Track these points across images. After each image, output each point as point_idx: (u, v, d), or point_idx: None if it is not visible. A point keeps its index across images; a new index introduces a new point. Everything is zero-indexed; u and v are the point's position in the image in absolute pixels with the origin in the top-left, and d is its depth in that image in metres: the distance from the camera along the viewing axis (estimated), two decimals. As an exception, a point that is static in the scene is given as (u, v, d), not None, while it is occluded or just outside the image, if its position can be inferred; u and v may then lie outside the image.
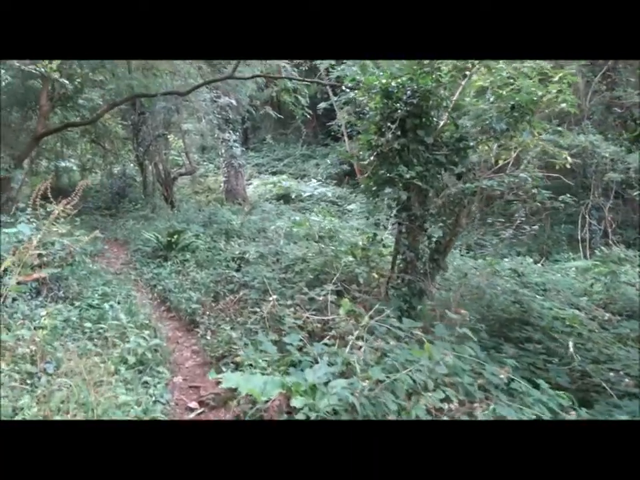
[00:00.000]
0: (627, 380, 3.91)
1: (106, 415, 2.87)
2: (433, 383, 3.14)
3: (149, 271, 7.86)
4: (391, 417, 2.68)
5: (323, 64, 9.69)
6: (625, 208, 13.31)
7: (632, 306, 6.75)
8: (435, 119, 4.79)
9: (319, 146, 24.15)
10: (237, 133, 17.18)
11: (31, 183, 12.14)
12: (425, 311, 4.80)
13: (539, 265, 10.39)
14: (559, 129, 5.13)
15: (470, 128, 4.87)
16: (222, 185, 17.66)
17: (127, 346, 3.91)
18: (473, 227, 9.75)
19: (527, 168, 4.62)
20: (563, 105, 4.73)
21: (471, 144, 4.69)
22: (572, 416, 2.82)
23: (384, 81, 4.72)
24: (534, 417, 2.76)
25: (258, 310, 5.28)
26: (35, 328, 3.87)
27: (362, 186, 5.22)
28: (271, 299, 4.97)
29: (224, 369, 4.54)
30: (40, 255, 4.47)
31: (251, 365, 4.14)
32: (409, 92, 4.63)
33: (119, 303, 5.27)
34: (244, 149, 19.02)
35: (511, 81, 4.75)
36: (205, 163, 22.84)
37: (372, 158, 4.92)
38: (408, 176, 4.39)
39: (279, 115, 13.75)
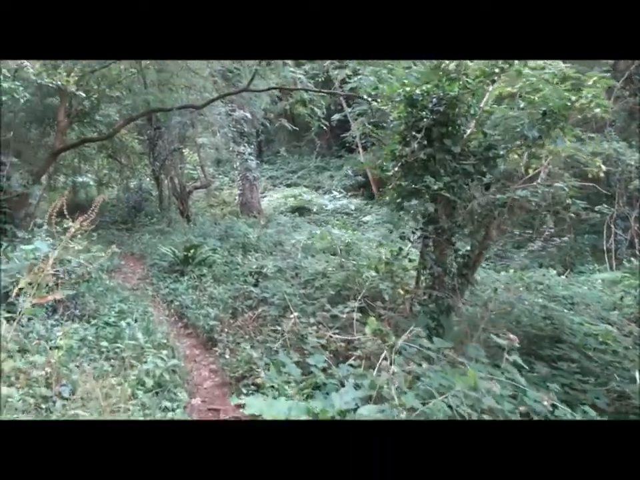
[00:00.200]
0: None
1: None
2: (471, 411, 2.91)
3: (165, 286, 7.74)
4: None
5: (339, 74, 9.59)
6: (651, 217, 12.87)
7: (666, 321, 6.40)
8: (462, 127, 4.58)
9: (333, 157, 24.08)
10: (252, 146, 17.18)
11: (49, 198, 12.20)
12: (455, 329, 4.56)
13: (563, 277, 10.05)
14: (592, 135, 4.88)
15: (498, 136, 4.66)
16: (237, 197, 17.62)
17: (145, 367, 3.74)
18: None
19: (562, 177, 4.38)
20: (597, 110, 4.50)
21: (501, 153, 4.47)
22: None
23: (408, 88, 4.55)
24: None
25: (278, 327, 5.10)
26: (50, 348, 3.74)
27: (386, 198, 5.02)
28: (292, 316, 4.77)
29: (244, 391, 4.36)
30: (56, 273, 4.35)
31: (272, 386, 3.95)
32: (434, 99, 4.45)
33: (135, 321, 5.13)
34: (258, 162, 19.00)
35: (540, 86, 4.55)
36: (219, 176, 22.91)
37: (396, 169, 4.73)
38: (436, 187, 4.19)
39: (293, 127, 13.66)
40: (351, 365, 3.93)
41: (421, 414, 2.84)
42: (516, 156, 4.84)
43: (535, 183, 4.35)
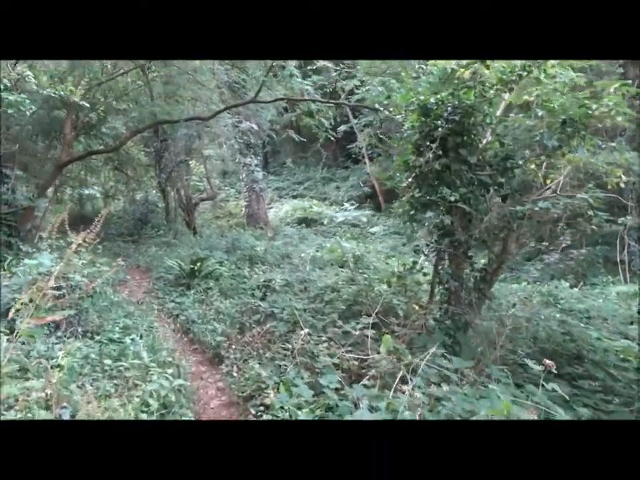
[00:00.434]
0: None
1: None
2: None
3: (171, 300, 7.59)
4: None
5: (346, 85, 9.50)
6: (665, 228, 12.60)
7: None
8: (478, 136, 4.43)
9: (339, 169, 24.02)
10: (258, 157, 17.13)
11: (55, 211, 12.14)
12: (472, 346, 4.37)
13: (576, 289, 9.80)
14: (613, 144, 4.72)
15: (515, 146, 4.50)
16: (243, 209, 17.54)
17: (149, 388, 3.57)
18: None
19: (583, 188, 4.21)
20: (619, 118, 4.33)
21: (519, 162, 4.31)
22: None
23: (422, 97, 4.41)
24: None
25: (287, 344, 4.92)
26: (52, 367, 3.58)
27: (399, 210, 4.86)
28: (302, 332, 4.60)
29: (253, 412, 4.17)
30: (59, 288, 4.22)
31: (282, 407, 3.76)
32: (449, 108, 4.31)
33: (140, 337, 4.96)
34: (265, 173, 18.93)
35: (558, 94, 4.41)
36: (226, 188, 22.88)
37: (410, 180, 4.58)
38: (452, 198, 4.03)
39: (300, 138, 13.59)
40: (365, 385, 3.74)
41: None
42: (533, 166, 4.68)
43: (555, 194, 4.17)
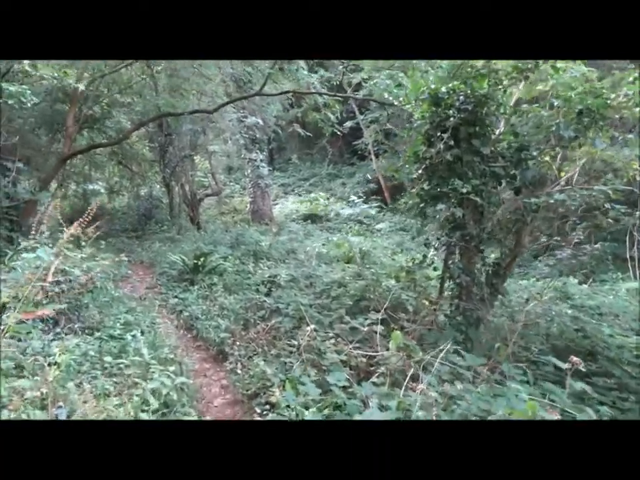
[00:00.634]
0: None
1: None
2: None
3: (174, 296, 7.47)
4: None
5: (353, 78, 9.33)
6: (677, 224, 12.34)
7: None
8: (491, 126, 4.26)
9: (345, 165, 23.85)
10: (264, 153, 16.97)
11: (55, 204, 12.02)
12: (483, 343, 4.22)
13: (585, 286, 9.61)
14: (630, 135, 4.53)
15: (530, 136, 4.33)
16: (248, 205, 17.39)
17: (150, 386, 3.44)
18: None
19: (599, 180, 4.04)
20: (637, 109, 4.16)
21: (534, 154, 4.14)
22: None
23: (433, 86, 4.24)
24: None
25: (293, 341, 4.79)
26: (49, 364, 3.46)
27: (409, 202, 4.70)
28: (308, 328, 4.45)
29: (257, 410, 4.04)
30: (58, 282, 4.09)
31: (288, 406, 3.62)
32: (461, 97, 4.14)
33: (142, 333, 4.84)
34: (270, 169, 18.76)
35: (573, 84, 4.23)
36: (231, 184, 22.76)
37: (419, 172, 4.41)
38: (464, 190, 3.87)
39: (306, 133, 13.42)
40: (374, 383, 3.59)
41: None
42: (547, 158, 4.51)
43: (570, 187, 4.00)
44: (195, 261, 8.24)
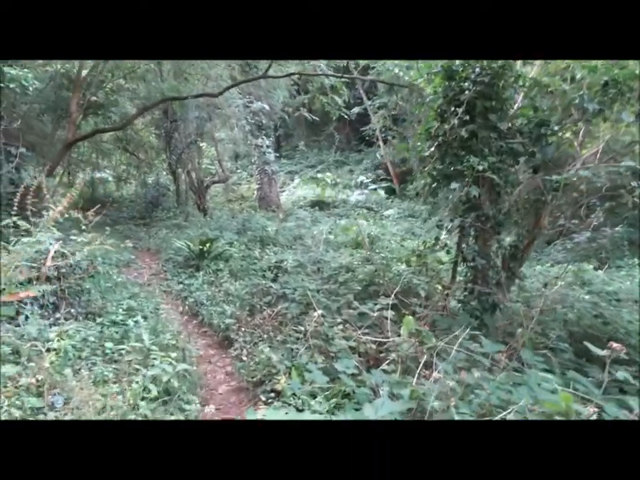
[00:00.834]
0: None
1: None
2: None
3: (179, 282, 7.34)
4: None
5: (360, 63, 9.05)
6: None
7: None
8: (508, 100, 4.02)
9: (352, 152, 23.54)
10: (270, 139, 16.72)
11: (61, 192, 11.93)
12: (500, 330, 4.03)
13: (601, 272, 9.36)
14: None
15: (550, 111, 4.09)
16: (255, 192, 17.21)
17: (150, 373, 3.29)
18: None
19: (624, 158, 3.79)
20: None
21: (555, 129, 3.90)
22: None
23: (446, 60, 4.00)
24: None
25: (300, 327, 4.62)
26: (48, 350, 3.32)
27: (421, 182, 4.48)
28: (315, 314, 4.28)
29: (262, 398, 3.90)
30: (57, 267, 3.95)
31: (294, 394, 3.46)
32: (477, 69, 3.90)
33: (145, 319, 4.70)
34: (277, 156, 18.51)
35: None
36: (238, 171, 22.57)
37: (432, 149, 4.19)
38: (480, 168, 3.65)
39: (313, 117, 13.15)
40: (385, 371, 3.42)
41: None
42: (569, 134, 4.26)
43: (595, 163, 3.76)
44: (201, 247, 8.10)
